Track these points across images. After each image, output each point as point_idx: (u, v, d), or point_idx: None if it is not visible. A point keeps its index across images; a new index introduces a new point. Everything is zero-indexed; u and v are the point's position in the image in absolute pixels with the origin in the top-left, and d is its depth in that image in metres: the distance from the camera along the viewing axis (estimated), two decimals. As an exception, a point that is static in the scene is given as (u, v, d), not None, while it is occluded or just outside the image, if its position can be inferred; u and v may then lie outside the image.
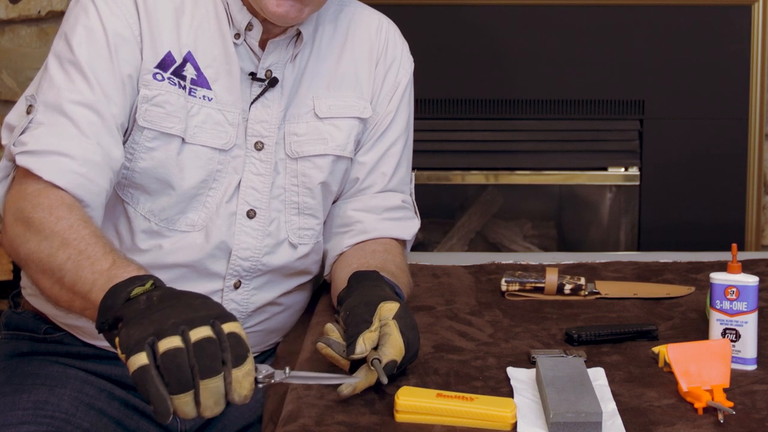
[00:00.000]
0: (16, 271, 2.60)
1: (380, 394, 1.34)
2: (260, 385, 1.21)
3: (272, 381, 1.23)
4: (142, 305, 1.20)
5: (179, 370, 1.13)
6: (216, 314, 1.18)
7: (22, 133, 1.48)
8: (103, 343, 1.62)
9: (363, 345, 1.34)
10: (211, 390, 1.14)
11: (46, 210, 1.40)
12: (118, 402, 1.61)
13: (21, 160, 1.45)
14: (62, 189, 1.43)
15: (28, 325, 1.67)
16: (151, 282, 1.24)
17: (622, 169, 2.78)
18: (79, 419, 1.54)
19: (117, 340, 1.18)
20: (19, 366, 1.61)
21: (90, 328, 1.61)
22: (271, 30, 1.62)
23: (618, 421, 1.27)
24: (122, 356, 1.16)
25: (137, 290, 1.23)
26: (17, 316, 1.69)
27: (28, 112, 1.50)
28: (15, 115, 1.53)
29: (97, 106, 1.50)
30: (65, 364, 1.62)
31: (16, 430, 1.48)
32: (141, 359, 1.13)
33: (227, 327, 1.17)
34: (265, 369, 1.22)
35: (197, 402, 1.14)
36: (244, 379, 1.16)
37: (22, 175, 1.46)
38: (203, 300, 1.21)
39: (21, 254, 1.41)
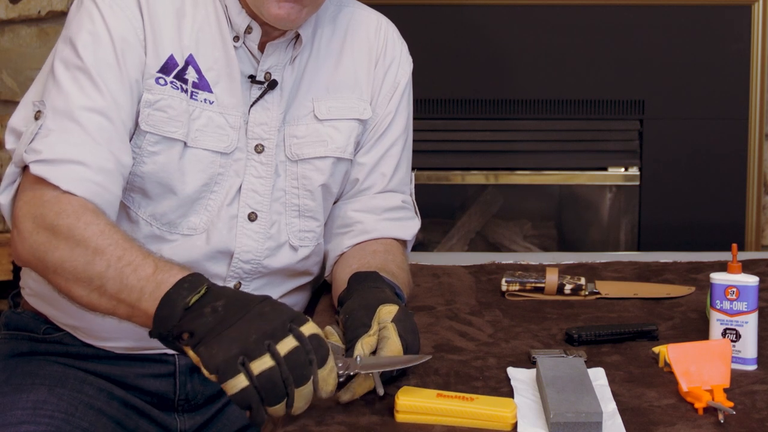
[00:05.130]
0: (16, 271, 2.60)
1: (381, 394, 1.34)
2: (341, 379, 1.27)
3: (350, 373, 1.29)
4: (210, 318, 1.23)
5: (275, 387, 1.19)
6: (289, 317, 1.23)
7: (32, 141, 1.46)
8: (102, 343, 1.62)
9: (361, 350, 1.34)
10: (304, 395, 1.22)
11: (72, 216, 1.40)
12: (118, 402, 1.61)
13: (36, 169, 1.43)
14: (80, 198, 1.43)
15: (28, 325, 1.67)
16: (204, 287, 1.27)
17: (622, 169, 2.78)
18: (78, 419, 1.54)
19: (195, 356, 1.23)
20: (18, 366, 1.61)
21: (90, 329, 1.61)
22: (269, 33, 1.62)
23: (618, 421, 1.27)
24: (211, 376, 1.21)
25: (194, 298, 1.26)
26: (17, 316, 1.69)
27: (36, 118, 1.48)
28: (20, 119, 1.52)
29: (108, 112, 1.49)
30: (65, 363, 1.62)
31: (16, 430, 1.48)
32: (240, 382, 1.19)
33: (306, 330, 1.23)
34: (340, 361, 1.28)
35: (289, 405, 1.21)
36: (329, 375, 1.24)
37: (34, 181, 1.45)
38: (271, 305, 1.25)
39: (49, 263, 1.39)
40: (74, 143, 1.46)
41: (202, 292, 1.27)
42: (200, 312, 1.24)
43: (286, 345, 1.20)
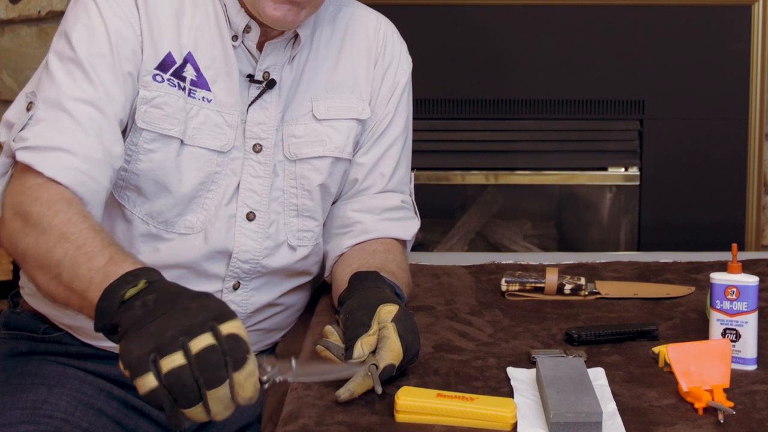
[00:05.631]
0: (16, 271, 2.60)
1: (380, 394, 1.34)
2: (265, 386, 1.18)
3: (278, 380, 1.20)
4: (138, 311, 1.17)
5: (184, 387, 1.11)
6: (214, 315, 1.15)
7: (22, 129, 1.46)
8: (101, 343, 1.62)
9: (361, 350, 1.34)
10: (219, 398, 1.13)
11: (45, 204, 1.38)
12: (117, 401, 1.61)
13: (21, 156, 1.43)
14: (64, 186, 1.42)
15: (27, 325, 1.67)
16: (144, 281, 1.21)
17: (622, 169, 2.78)
18: (77, 419, 1.54)
19: (119, 350, 1.16)
20: (18, 366, 1.61)
21: (89, 329, 1.61)
22: (268, 32, 1.61)
23: (618, 421, 1.27)
24: (126, 372, 1.14)
25: (130, 292, 1.20)
26: (16, 315, 1.69)
27: (28, 109, 1.48)
28: (14, 112, 1.52)
29: (99, 103, 1.49)
30: (64, 363, 1.62)
31: (15, 430, 1.48)
32: (149, 382, 1.11)
33: (225, 328, 1.14)
34: (269, 365, 1.19)
35: (207, 410, 1.13)
36: (246, 381, 1.14)
37: (21, 170, 1.45)
38: (199, 301, 1.17)
39: (19, 249, 1.39)
40: (62, 132, 1.45)
41: (140, 285, 1.20)
42: (132, 305, 1.18)
43: (200, 342, 1.11)
